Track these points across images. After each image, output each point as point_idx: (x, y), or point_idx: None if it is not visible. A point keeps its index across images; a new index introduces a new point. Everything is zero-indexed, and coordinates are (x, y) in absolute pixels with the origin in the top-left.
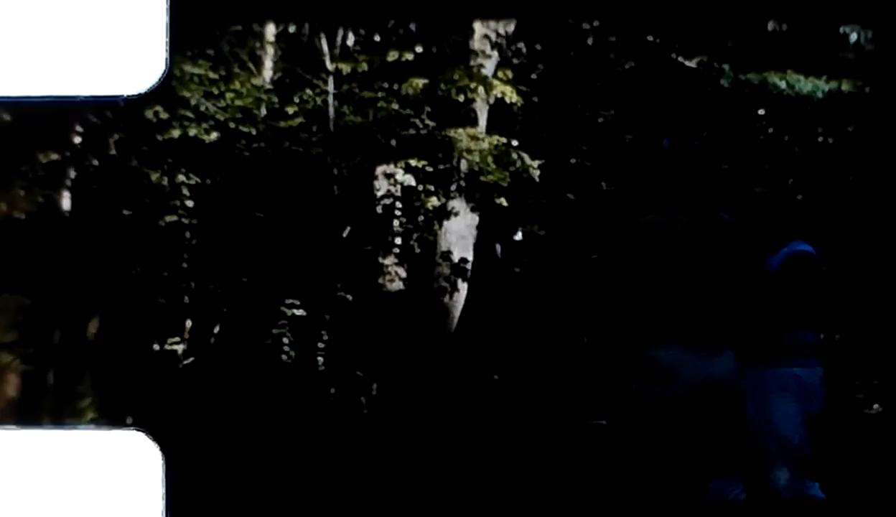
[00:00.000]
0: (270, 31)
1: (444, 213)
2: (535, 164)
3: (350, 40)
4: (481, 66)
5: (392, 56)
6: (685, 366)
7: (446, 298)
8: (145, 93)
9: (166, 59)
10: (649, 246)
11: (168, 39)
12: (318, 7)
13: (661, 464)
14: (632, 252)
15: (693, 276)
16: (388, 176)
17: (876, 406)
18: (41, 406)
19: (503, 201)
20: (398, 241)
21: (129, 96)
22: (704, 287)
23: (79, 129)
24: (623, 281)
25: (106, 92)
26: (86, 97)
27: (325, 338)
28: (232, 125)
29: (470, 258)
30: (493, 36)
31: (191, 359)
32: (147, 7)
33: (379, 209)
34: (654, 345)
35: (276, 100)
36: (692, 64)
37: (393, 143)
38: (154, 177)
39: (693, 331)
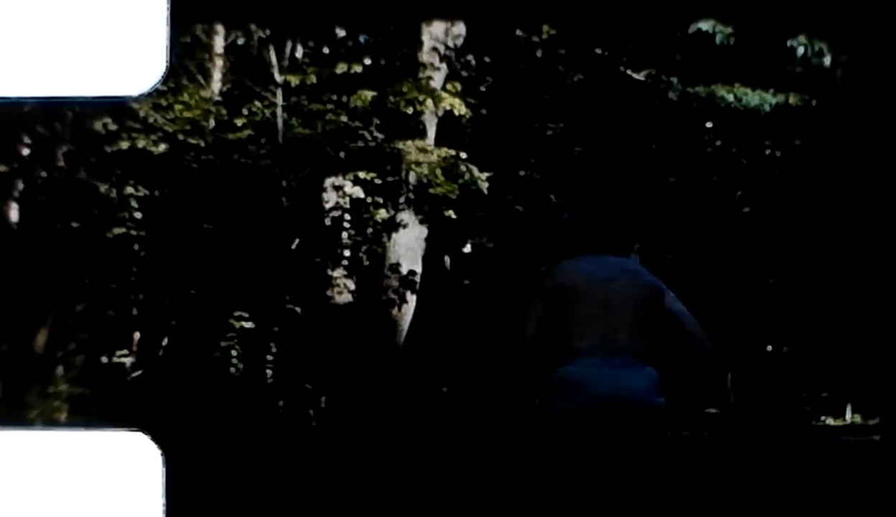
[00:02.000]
0: (219, 43)
1: (392, 226)
2: (484, 176)
3: (299, 52)
4: (430, 78)
5: (341, 68)
6: (596, 378)
7: (395, 310)
8: (145, 93)
9: (166, 59)
10: (558, 283)
11: (168, 39)
12: (315, 7)
13: (566, 477)
14: (543, 292)
15: (603, 302)
16: (337, 188)
17: (823, 418)
18: None
19: (452, 213)
20: (347, 253)
21: (129, 96)
22: (615, 310)
23: (27, 140)
24: (538, 318)
25: (106, 92)
26: (85, 97)
27: (274, 350)
28: (180, 137)
29: (419, 270)
30: (441, 48)
31: (139, 371)
32: (147, 7)
33: (328, 221)
34: (566, 363)
35: (224, 112)
36: (640, 77)
37: (342, 155)
38: (102, 189)
39: (604, 349)
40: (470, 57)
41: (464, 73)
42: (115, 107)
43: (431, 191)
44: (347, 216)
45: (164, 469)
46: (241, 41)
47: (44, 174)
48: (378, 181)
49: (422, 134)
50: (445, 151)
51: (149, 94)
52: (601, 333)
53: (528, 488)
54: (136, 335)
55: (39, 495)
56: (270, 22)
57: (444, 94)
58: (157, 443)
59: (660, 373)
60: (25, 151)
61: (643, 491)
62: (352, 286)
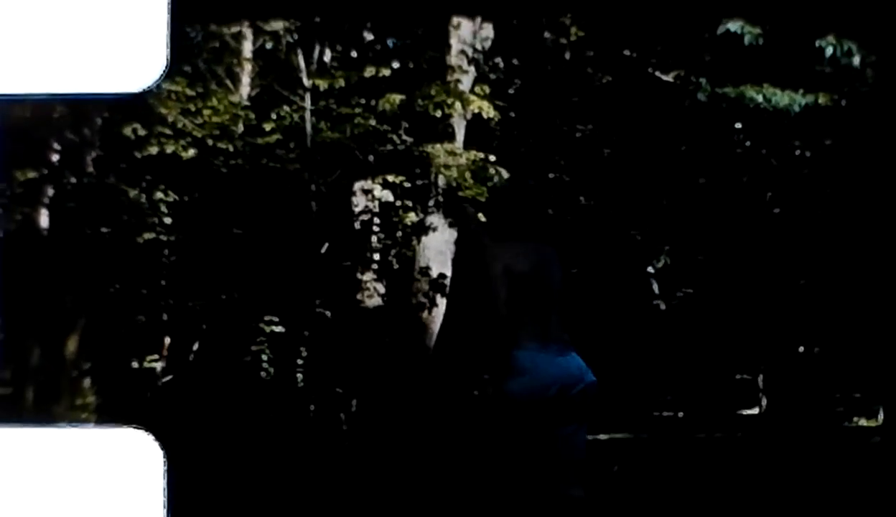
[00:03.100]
0: (247, 47)
1: (422, 229)
2: None
3: (327, 56)
4: (458, 81)
5: (369, 72)
6: (542, 362)
7: (425, 314)
8: (146, 91)
9: (167, 57)
10: (504, 269)
11: (169, 37)
12: (316, 6)
13: (523, 453)
14: (494, 271)
15: (542, 293)
16: (366, 192)
17: (856, 419)
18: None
19: (481, 216)
20: (376, 256)
21: (129, 94)
22: (551, 301)
23: (56, 146)
24: (487, 296)
25: (107, 90)
26: (86, 95)
27: (304, 354)
28: (209, 142)
29: (449, 273)
30: (469, 51)
31: (169, 376)
32: (148, 5)
33: (357, 225)
34: (514, 348)
35: (253, 116)
36: (669, 78)
37: (370, 158)
38: (132, 194)
39: (544, 336)
40: (498, 59)
41: (492, 76)
42: (118, 103)
43: (461, 194)
44: (377, 220)
45: (166, 467)
46: (269, 45)
47: (73, 180)
48: (407, 184)
49: (450, 137)
50: (474, 154)
51: (150, 91)
52: (541, 324)
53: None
54: (167, 340)
55: (41, 493)
56: (270, 19)
57: (473, 97)
58: (159, 441)
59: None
60: (55, 157)
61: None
62: (381, 290)
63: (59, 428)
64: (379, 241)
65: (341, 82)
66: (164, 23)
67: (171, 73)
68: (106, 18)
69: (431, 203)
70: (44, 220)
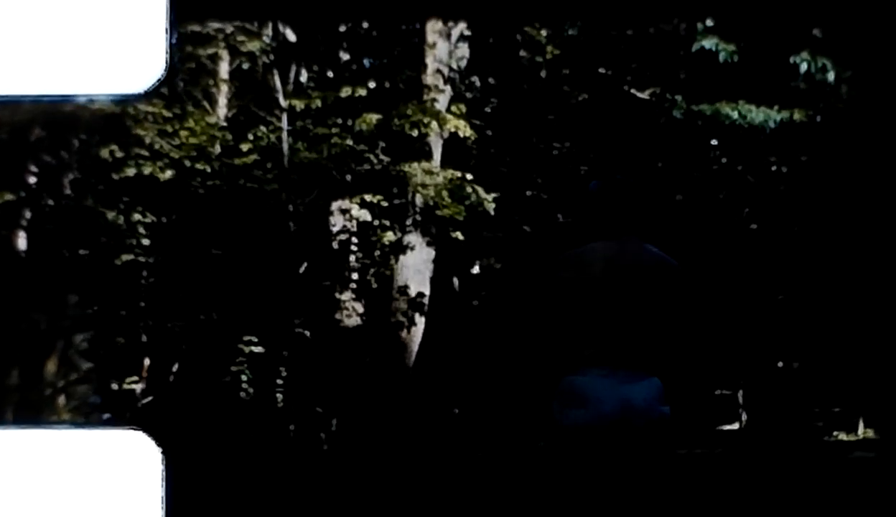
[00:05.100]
0: (224, 68)
1: (400, 248)
2: (491, 197)
3: (303, 77)
4: (434, 100)
5: (345, 92)
6: (603, 391)
7: (404, 333)
8: (144, 92)
9: (166, 58)
10: (574, 276)
11: (168, 38)
12: (317, 6)
13: (580, 487)
14: (557, 282)
15: (615, 305)
16: (344, 211)
17: (836, 433)
18: None
19: (459, 235)
20: (355, 276)
21: (128, 95)
22: (626, 315)
23: (34, 168)
24: (548, 309)
25: (105, 91)
26: (85, 96)
27: (284, 374)
28: (187, 163)
29: (427, 292)
30: (445, 70)
31: (149, 397)
32: (147, 5)
33: (335, 245)
34: (575, 372)
35: (230, 137)
36: (645, 95)
37: (348, 178)
38: (110, 216)
39: (613, 358)
40: (474, 78)
41: (468, 95)
42: (118, 105)
43: (438, 212)
44: (355, 239)
45: (164, 469)
46: (245, 66)
47: (51, 202)
48: (385, 204)
49: (427, 156)
50: (451, 173)
51: (149, 92)
52: (608, 342)
53: (537, 503)
54: (147, 361)
55: (38, 494)
56: (270, 19)
57: (449, 116)
58: (157, 443)
59: (665, 378)
60: (32, 180)
61: (648, 506)
62: (360, 309)
63: (54, 429)
64: (357, 260)
65: (318, 102)
66: (162, 23)
67: (169, 74)
68: (104, 19)
69: (409, 222)
70: (22, 242)
